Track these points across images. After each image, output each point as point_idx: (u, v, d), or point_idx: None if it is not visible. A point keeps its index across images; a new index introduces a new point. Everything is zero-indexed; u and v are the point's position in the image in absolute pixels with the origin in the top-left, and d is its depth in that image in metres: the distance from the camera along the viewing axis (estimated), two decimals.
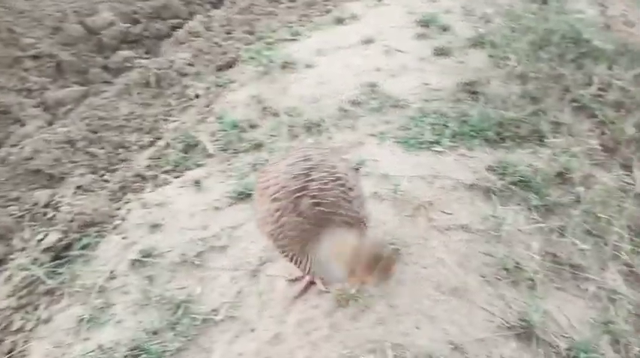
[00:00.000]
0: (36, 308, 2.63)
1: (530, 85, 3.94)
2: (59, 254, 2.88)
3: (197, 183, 3.24)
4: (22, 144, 3.80)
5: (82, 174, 3.52)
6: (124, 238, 2.92)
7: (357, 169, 3.12)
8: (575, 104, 3.78)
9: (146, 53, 5.38)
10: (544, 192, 3.02)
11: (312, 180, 2.07)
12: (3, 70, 4.68)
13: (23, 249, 2.98)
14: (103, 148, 3.83)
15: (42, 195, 3.35)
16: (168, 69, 4.60)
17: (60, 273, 2.75)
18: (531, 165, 3.19)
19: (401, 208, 2.87)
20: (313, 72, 4.27)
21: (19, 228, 3.16)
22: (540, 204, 2.95)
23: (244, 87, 4.22)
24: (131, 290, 2.60)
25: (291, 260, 2.14)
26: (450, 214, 2.85)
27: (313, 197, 2.03)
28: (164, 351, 2.28)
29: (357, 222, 2.08)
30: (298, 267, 2.17)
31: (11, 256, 2.97)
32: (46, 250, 2.88)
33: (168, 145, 3.69)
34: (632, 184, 3.14)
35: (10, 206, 3.32)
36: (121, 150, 3.84)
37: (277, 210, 2.06)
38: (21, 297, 2.68)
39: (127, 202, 3.21)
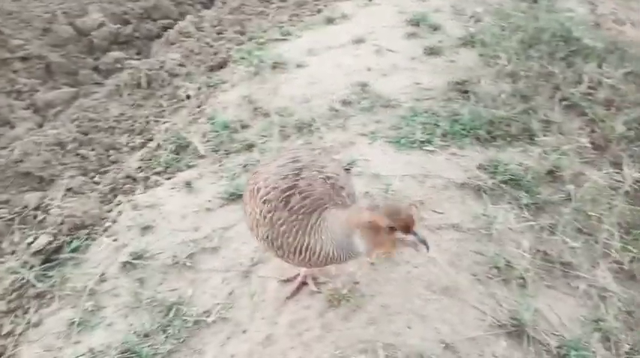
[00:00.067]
0: (26, 312, 2.61)
1: (520, 83, 3.96)
2: (49, 257, 2.86)
3: (188, 184, 3.23)
4: (11, 146, 3.78)
5: (72, 176, 3.50)
6: (114, 240, 2.90)
7: (349, 170, 3.12)
8: (565, 102, 3.80)
9: (137, 54, 5.37)
10: (534, 190, 3.03)
11: (302, 179, 2.08)
12: None
13: (13, 253, 2.96)
14: (93, 150, 3.81)
15: (32, 198, 3.33)
16: (159, 70, 4.59)
17: (50, 276, 2.73)
18: (522, 164, 3.21)
19: None
20: (304, 72, 4.27)
21: (9, 231, 3.14)
22: (531, 202, 2.96)
23: (235, 87, 4.21)
24: (122, 293, 2.58)
25: (288, 258, 2.12)
26: (441, 213, 2.86)
27: (301, 192, 2.04)
28: (155, 354, 2.27)
29: None
30: (297, 264, 2.17)
31: (1, 259, 2.95)
32: (36, 253, 2.86)
33: (159, 146, 3.68)
34: (622, 182, 3.15)
35: None
36: (111, 152, 3.82)
37: (269, 211, 2.06)
38: (10, 301, 2.66)
39: (117, 204, 3.20)
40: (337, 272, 2.52)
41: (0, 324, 2.58)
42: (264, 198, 2.08)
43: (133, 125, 4.09)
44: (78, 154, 3.75)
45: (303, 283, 2.47)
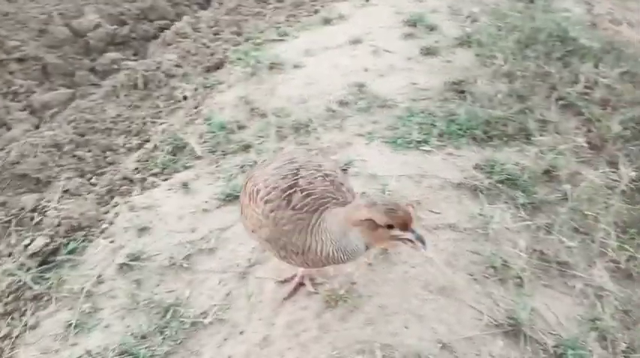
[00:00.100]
0: (23, 314, 2.60)
1: (516, 83, 3.97)
2: (46, 259, 2.86)
3: (185, 185, 3.23)
4: (8, 148, 3.77)
5: (68, 178, 3.49)
6: (111, 242, 2.90)
7: (345, 170, 3.12)
8: (561, 102, 3.81)
9: (133, 55, 5.36)
10: (531, 190, 3.04)
11: (301, 178, 2.10)
12: None
13: (10, 255, 2.96)
14: (90, 151, 3.80)
15: (28, 200, 3.32)
16: (155, 70, 4.58)
17: (47, 278, 2.73)
18: (518, 163, 3.22)
19: None
20: (301, 72, 4.27)
21: (6, 233, 3.14)
22: (527, 201, 2.97)
23: (232, 88, 4.21)
24: (119, 295, 2.58)
25: (291, 258, 2.12)
26: (438, 213, 2.86)
27: (303, 190, 2.05)
28: (152, 355, 2.27)
29: None
30: (300, 265, 2.18)
31: None
32: (33, 255, 2.86)
33: (156, 147, 3.68)
34: (619, 181, 3.16)
35: None
36: (108, 153, 3.81)
37: (271, 210, 2.07)
38: (7, 303, 2.66)
39: (114, 206, 3.20)
40: (335, 272, 2.52)
41: None
42: (266, 198, 2.09)
43: (129, 126, 4.09)
44: (74, 156, 3.74)
45: (301, 284, 2.47)
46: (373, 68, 4.24)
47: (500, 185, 3.06)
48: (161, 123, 4.02)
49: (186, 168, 3.42)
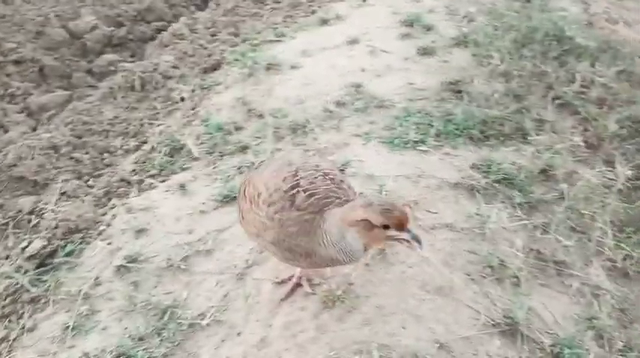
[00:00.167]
0: (20, 317, 2.60)
1: (513, 82, 3.97)
2: (43, 261, 2.86)
3: (182, 186, 3.23)
4: (5, 150, 3.77)
5: (66, 180, 3.49)
6: (108, 244, 2.90)
7: (343, 171, 3.12)
8: (558, 101, 3.82)
9: (130, 56, 5.37)
10: (528, 189, 3.05)
11: (302, 178, 2.10)
12: None
13: (7, 257, 2.96)
14: (87, 153, 3.80)
15: (26, 202, 3.32)
16: (152, 72, 4.58)
17: (44, 281, 2.73)
18: (515, 163, 3.22)
19: None
20: (298, 73, 4.27)
21: (3, 236, 3.14)
22: (524, 201, 2.97)
23: (229, 89, 4.21)
24: (116, 297, 2.58)
25: (295, 260, 2.14)
26: (435, 213, 2.86)
27: (306, 190, 2.06)
28: (150, 357, 2.27)
29: None
30: (304, 266, 2.20)
31: None
32: (30, 257, 2.86)
33: (153, 149, 3.68)
34: (615, 180, 3.16)
35: None
36: (105, 155, 3.81)
37: (276, 212, 2.07)
38: (4, 306, 2.66)
39: (111, 208, 3.20)
40: (332, 273, 2.53)
41: None
42: (269, 200, 2.09)
43: (127, 128, 4.09)
44: (72, 158, 3.74)
45: (298, 285, 2.47)
46: (370, 68, 4.25)
47: (497, 184, 3.06)
48: (158, 125, 4.02)
49: (183, 169, 3.42)
